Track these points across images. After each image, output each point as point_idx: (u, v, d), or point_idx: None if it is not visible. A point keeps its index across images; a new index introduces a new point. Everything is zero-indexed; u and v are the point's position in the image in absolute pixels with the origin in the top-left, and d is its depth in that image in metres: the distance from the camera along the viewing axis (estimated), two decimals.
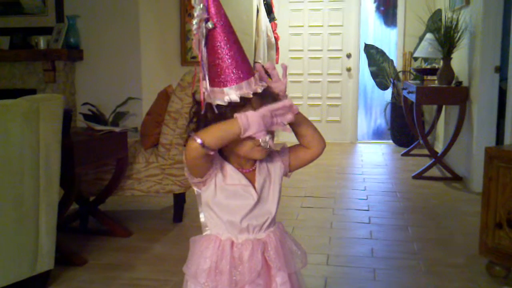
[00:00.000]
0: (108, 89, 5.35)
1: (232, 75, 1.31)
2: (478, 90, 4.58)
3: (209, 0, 1.30)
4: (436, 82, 5.24)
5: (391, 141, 7.07)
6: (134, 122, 5.22)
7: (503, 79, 4.46)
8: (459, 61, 5.20)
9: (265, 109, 1.25)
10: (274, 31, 6.59)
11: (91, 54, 5.35)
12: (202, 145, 1.24)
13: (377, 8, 7.84)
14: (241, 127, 1.24)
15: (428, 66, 5.82)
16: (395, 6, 7.34)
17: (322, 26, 7.29)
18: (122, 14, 5.26)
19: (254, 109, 1.27)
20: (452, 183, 4.86)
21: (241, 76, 1.31)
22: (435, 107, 6.21)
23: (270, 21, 6.45)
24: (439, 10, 6.23)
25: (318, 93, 7.37)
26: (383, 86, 7.04)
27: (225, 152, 1.39)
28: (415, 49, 6.29)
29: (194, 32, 1.32)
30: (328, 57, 7.34)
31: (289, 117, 1.28)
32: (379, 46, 7.09)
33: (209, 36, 1.31)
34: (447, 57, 5.06)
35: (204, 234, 1.44)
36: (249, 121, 1.24)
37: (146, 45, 5.42)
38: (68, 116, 2.88)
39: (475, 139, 4.56)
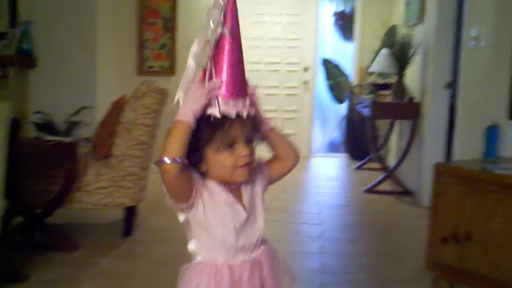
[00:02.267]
0: (62, 97, 5.22)
1: (226, 88, 1.27)
2: (430, 106, 4.69)
3: (228, 5, 1.27)
4: (390, 97, 5.33)
5: (345, 155, 7.15)
6: (88, 132, 5.10)
7: (454, 96, 4.57)
8: (412, 76, 5.31)
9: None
10: None
11: (45, 61, 5.22)
12: (174, 160, 1.19)
13: (335, 22, 7.95)
14: (182, 118, 1.22)
15: (383, 81, 5.93)
16: (352, 21, 7.46)
17: (280, 39, 7.35)
18: (78, 22, 5.16)
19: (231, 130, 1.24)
20: (402, 197, 4.94)
21: (234, 92, 1.27)
22: (388, 121, 6.32)
23: None
24: (395, 26, 6.37)
25: (274, 106, 7.39)
26: (339, 100, 7.12)
27: (207, 176, 1.31)
28: (371, 64, 6.40)
29: (208, 34, 1.28)
30: (285, 70, 7.39)
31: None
32: (336, 60, 7.19)
33: (218, 43, 1.28)
34: (400, 72, 5.16)
35: (196, 261, 1.36)
36: (182, 109, 1.24)
37: (102, 54, 5.33)
38: (15, 125, 2.79)
39: (425, 154, 4.65)
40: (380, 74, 6.22)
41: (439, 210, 2.86)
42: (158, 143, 3.95)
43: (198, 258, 1.36)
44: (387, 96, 5.48)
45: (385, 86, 5.69)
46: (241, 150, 1.27)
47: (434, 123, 4.65)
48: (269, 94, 7.37)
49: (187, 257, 3.41)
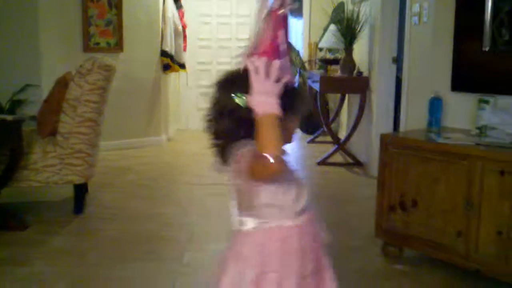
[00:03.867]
0: (6, 76, 5.06)
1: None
2: (377, 80, 4.78)
3: None
4: (339, 72, 5.40)
5: (298, 129, 7.21)
6: (33, 110, 4.97)
7: (400, 69, 4.67)
8: (360, 51, 5.39)
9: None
10: (181, 19, 6.51)
11: None
12: (278, 158, 1.18)
13: None
14: (272, 111, 1.19)
15: (332, 57, 6.00)
16: None
17: (230, 15, 7.30)
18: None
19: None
20: (353, 168, 5.05)
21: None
22: (339, 95, 6.41)
23: (177, 8, 6.36)
24: (342, 3, 6.42)
25: None
26: None
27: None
28: (320, 39, 6.45)
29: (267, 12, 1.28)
30: (236, 46, 7.36)
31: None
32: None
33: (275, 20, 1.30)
34: (349, 48, 5.22)
35: (260, 227, 1.34)
36: (265, 101, 1.19)
37: (45, 30, 5.17)
38: None
39: (374, 127, 4.76)
40: (330, 50, 6.30)
41: (386, 179, 2.95)
42: (106, 119, 3.90)
43: (251, 225, 1.35)
44: (337, 71, 5.55)
45: (334, 61, 5.76)
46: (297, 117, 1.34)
47: (381, 96, 4.76)
48: (220, 71, 7.33)
49: (140, 232, 3.41)
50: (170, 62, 6.15)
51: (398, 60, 4.65)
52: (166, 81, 6.38)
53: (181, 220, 3.56)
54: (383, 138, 2.99)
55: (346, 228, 3.43)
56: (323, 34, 6.30)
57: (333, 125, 6.15)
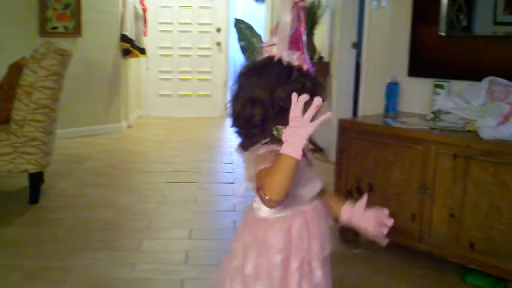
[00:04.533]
0: None
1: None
2: (337, 65, 4.80)
3: None
4: None
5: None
6: None
7: (359, 55, 4.70)
8: (321, 36, 5.39)
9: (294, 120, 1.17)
10: (141, 2, 6.39)
11: None
12: (279, 202, 1.20)
13: None
14: (295, 155, 1.16)
15: None
16: None
17: None
18: None
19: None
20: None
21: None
22: None
23: None
24: None
25: (189, 67, 7.30)
26: None
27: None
28: None
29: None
30: (198, 31, 7.28)
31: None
32: (248, 21, 7.16)
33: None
34: (309, 33, 5.21)
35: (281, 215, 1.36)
36: (293, 144, 1.17)
37: None
38: None
39: (334, 112, 4.77)
40: None
41: (344, 164, 2.97)
42: (63, 106, 3.81)
43: (269, 213, 1.36)
44: None
45: None
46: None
47: (341, 81, 4.78)
48: (182, 56, 7.26)
49: (97, 221, 3.36)
50: (130, 47, 6.05)
51: (358, 45, 4.67)
52: (126, 67, 6.27)
53: (139, 208, 3.52)
54: (341, 123, 3.01)
55: None
56: None
57: None
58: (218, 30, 7.25)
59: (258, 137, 1.30)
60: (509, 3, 2.91)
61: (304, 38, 1.34)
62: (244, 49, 7.10)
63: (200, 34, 7.28)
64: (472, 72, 2.97)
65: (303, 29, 1.33)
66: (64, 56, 3.52)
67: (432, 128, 2.69)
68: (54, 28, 5.45)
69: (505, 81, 2.69)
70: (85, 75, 5.51)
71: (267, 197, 1.19)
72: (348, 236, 3.00)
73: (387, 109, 3.19)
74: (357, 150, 2.91)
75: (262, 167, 1.24)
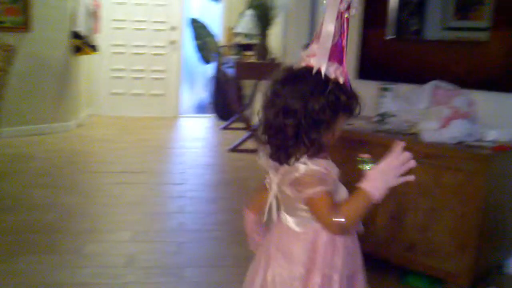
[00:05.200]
0: None
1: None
2: None
3: None
4: (253, 57, 5.39)
5: (213, 115, 7.18)
6: None
7: None
8: (275, 37, 5.41)
9: (384, 165, 1.24)
10: None
11: None
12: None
13: None
14: (378, 197, 1.23)
15: (248, 42, 5.97)
16: None
17: None
18: None
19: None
20: None
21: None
22: (254, 81, 6.41)
23: None
24: None
25: (142, 66, 7.19)
26: (206, 60, 7.09)
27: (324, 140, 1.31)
28: (237, 24, 6.41)
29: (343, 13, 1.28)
30: (152, 29, 7.18)
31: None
32: (204, 20, 7.11)
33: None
34: (263, 33, 5.23)
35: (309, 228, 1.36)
36: (380, 187, 1.22)
37: None
38: None
39: None
40: (246, 35, 6.27)
41: None
42: (10, 104, 3.68)
43: (295, 225, 1.38)
44: (252, 57, 5.54)
45: (250, 47, 5.74)
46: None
47: None
48: (135, 54, 7.15)
49: (39, 223, 3.25)
50: (82, 44, 5.91)
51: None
52: (77, 64, 6.12)
53: (85, 209, 3.44)
54: None
55: None
56: (240, 19, 6.26)
57: (248, 112, 6.15)
58: (173, 28, 7.17)
59: (292, 149, 1.28)
60: (459, 9, 2.98)
61: (346, 50, 1.32)
62: (199, 48, 7.05)
63: (154, 32, 7.18)
64: (419, 75, 3.01)
65: (345, 41, 1.31)
66: (8, 52, 3.41)
67: (377, 131, 2.72)
68: (1, 22, 5.28)
69: (448, 86, 2.74)
70: (33, 72, 5.35)
71: (342, 222, 1.24)
72: None
73: None
74: None
75: (317, 190, 1.26)
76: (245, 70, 5.27)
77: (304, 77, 1.27)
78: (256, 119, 5.83)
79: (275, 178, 1.36)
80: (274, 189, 1.38)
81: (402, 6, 3.12)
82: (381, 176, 1.23)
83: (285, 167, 1.30)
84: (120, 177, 4.14)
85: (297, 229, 1.37)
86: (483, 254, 2.40)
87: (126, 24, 7.12)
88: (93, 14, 6.23)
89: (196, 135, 6.10)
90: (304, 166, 1.27)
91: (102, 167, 4.48)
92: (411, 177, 1.23)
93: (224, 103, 6.76)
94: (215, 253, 2.83)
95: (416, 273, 2.54)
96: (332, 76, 1.27)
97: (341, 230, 1.28)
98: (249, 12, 5.63)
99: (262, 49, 5.22)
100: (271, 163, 1.34)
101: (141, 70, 7.19)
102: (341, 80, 1.29)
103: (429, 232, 2.43)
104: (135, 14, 7.12)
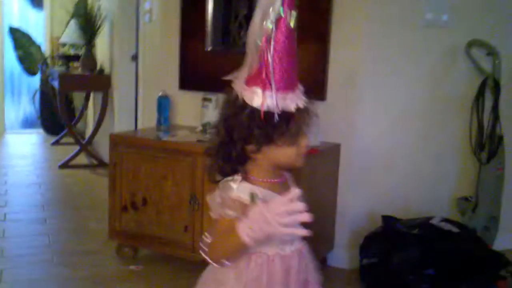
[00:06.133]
0: None
1: (285, 80, 1.16)
2: (118, 78, 4.75)
3: None
4: (80, 69, 5.22)
5: (41, 130, 6.80)
6: None
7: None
8: (102, 48, 5.29)
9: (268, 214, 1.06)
10: None
11: None
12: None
13: None
14: (248, 242, 1.10)
15: (74, 53, 5.76)
16: None
17: None
18: None
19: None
20: (98, 169, 4.93)
21: (291, 83, 1.19)
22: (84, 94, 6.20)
23: None
24: None
25: None
26: (31, 72, 6.71)
27: (249, 164, 1.23)
28: (62, 34, 6.16)
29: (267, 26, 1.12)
30: None
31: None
32: (26, 29, 6.71)
33: (276, 32, 1.13)
34: (89, 44, 5.08)
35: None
36: (255, 230, 1.08)
37: None
38: None
39: (116, 125, 4.71)
40: (72, 45, 6.04)
41: (117, 179, 2.93)
42: None
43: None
44: (78, 68, 5.35)
45: (76, 58, 5.55)
46: (304, 141, 1.22)
47: (123, 94, 4.73)
48: None
49: None
50: None
51: (136, 58, 4.66)
52: None
53: None
54: (112, 138, 2.97)
55: (81, 233, 3.33)
56: (65, 28, 6.02)
57: (80, 125, 5.94)
58: None
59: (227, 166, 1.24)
60: None
61: (292, 74, 1.19)
62: (21, 59, 6.64)
63: None
64: None
65: (269, 67, 1.14)
66: None
67: (199, 140, 2.80)
68: None
69: None
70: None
71: (207, 257, 1.23)
72: (125, 252, 2.97)
73: (159, 122, 3.23)
74: (130, 165, 2.89)
75: (225, 216, 1.19)
76: (70, 83, 5.08)
77: (230, 101, 1.24)
78: (89, 132, 5.62)
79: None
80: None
81: (223, 18, 3.23)
82: (259, 219, 1.07)
83: (223, 183, 1.25)
84: None
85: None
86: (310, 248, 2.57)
87: None
88: None
89: (22, 152, 5.73)
90: (237, 186, 1.21)
91: None
92: (302, 231, 1.07)
93: (53, 117, 6.44)
94: (39, 277, 2.70)
95: None
96: (251, 102, 1.17)
97: (207, 257, 1.23)
98: (74, 22, 5.44)
99: (88, 60, 5.07)
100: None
101: None
102: (262, 107, 1.16)
103: None
104: None
